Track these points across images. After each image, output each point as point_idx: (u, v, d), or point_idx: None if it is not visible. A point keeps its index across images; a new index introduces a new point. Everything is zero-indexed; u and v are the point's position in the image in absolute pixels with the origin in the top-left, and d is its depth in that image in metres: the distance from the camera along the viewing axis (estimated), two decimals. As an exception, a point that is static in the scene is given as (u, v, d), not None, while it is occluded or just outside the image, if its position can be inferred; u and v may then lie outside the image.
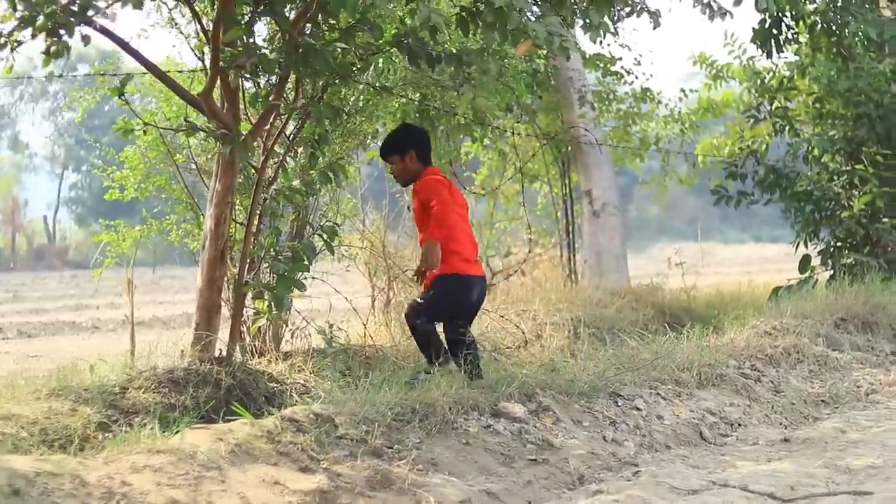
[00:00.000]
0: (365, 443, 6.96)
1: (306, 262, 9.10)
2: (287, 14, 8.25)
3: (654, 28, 10.14)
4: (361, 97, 10.51)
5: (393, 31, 8.77)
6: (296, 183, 9.19)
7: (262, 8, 8.01)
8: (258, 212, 9.13)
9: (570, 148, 17.76)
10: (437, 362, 8.83)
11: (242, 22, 8.00)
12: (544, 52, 11.54)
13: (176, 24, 9.70)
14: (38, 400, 7.76)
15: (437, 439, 7.40)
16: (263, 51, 8.28)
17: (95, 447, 6.82)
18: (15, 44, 7.29)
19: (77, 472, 5.58)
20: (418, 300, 9.15)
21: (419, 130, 9.54)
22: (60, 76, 8.14)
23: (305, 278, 9.45)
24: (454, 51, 8.58)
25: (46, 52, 7.27)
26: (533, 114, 16.77)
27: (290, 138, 9.46)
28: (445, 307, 9.09)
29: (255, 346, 10.09)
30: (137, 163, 10.92)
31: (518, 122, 15.98)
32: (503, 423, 7.91)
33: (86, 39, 7.41)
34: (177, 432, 6.56)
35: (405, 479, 6.55)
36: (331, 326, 10.34)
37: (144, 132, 9.36)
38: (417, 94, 11.22)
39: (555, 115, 17.73)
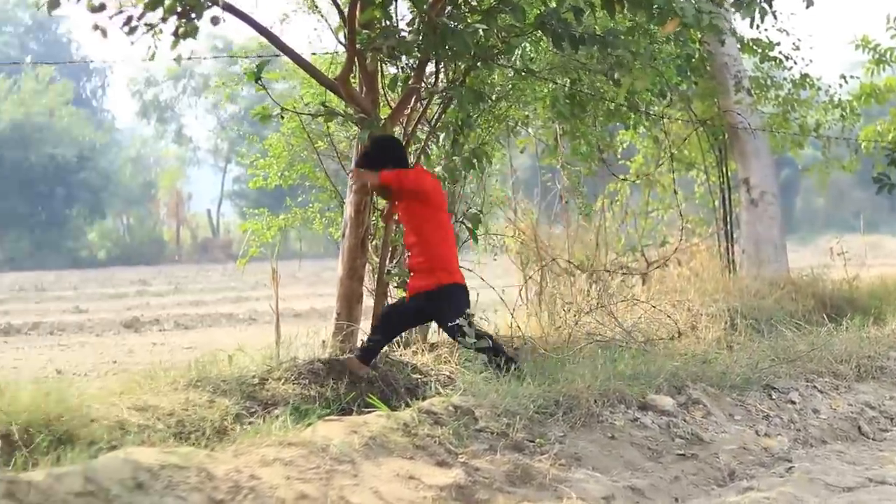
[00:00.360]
0: (506, 436, 6.72)
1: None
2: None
3: (807, 7, 9.70)
4: (509, 81, 10.20)
5: (535, 13, 8.46)
6: (438, 169, 8.96)
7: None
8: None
9: (726, 136, 17.25)
10: (506, 357, 8.56)
11: (377, 2, 7.76)
12: (697, 34, 11.05)
13: (317, 7, 9.52)
14: (177, 391, 7.68)
15: (581, 433, 7.13)
16: (402, 33, 8.03)
17: (230, 439, 6.70)
18: (147, 28, 7.17)
19: (204, 466, 5.41)
20: (455, 324, 8.62)
21: (389, 141, 8.90)
22: (189, 59, 7.96)
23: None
24: (599, 33, 8.24)
25: (175, 34, 7.14)
26: (688, 100, 16.30)
27: (432, 123, 9.23)
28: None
29: (401, 336, 9.92)
30: (281, 150, 10.82)
31: (668, 107, 15.49)
32: (651, 416, 7.60)
33: (215, 20, 7.26)
34: (309, 424, 6.38)
35: (546, 474, 6.28)
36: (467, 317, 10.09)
37: (282, 118, 9.20)
38: (566, 79, 10.85)
39: (710, 101, 17.23)
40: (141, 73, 78.68)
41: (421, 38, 7.96)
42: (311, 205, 11.07)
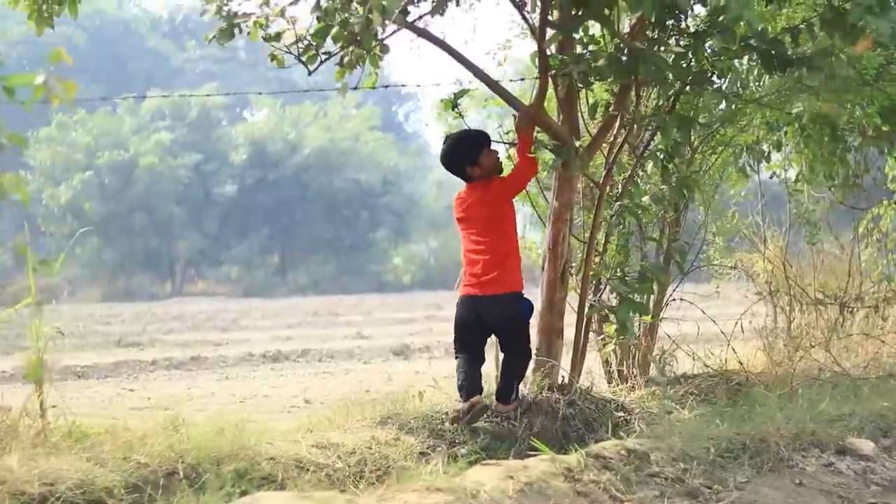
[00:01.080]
0: (681, 482, 6.38)
1: (651, 285, 8.49)
2: (615, 17, 7.64)
3: None
4: (729, 106, 9.74)
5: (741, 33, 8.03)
6: (645, 199, 8.62)
7: (582, 11, 7.46)
8: (603, 230, 8.66)
9: None
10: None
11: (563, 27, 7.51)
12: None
13: (529, 30, 9.28)
14: (365, 428, 7.59)
15: (767, 479, 6.71)
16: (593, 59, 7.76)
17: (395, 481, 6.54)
18: (325, 56, 7.11)
19: (339, 512, 5.28)
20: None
21: (473, 131, 8.55)
22: (356, 88, 7.86)
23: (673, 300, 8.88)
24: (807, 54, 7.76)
25: (340, 64, 7.04)
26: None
27: (640, 151, 8.91)
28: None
29: (618, 371, 9.61)
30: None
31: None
32: (847, 461, 7.10)
33: (384, 48, 7.14)
34: (468, 464, 6.18)
35: (719, 523, 5.90)
36: (664, 354, 9.70)
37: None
38: (798, 106, 10.26)
39: None
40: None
41: (615, 63, 7.66)
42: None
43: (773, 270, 12.32)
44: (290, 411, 12.70)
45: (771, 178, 13.01)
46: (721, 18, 7.94)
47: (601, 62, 7.60)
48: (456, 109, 8.61)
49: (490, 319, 8.26)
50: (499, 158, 8.38)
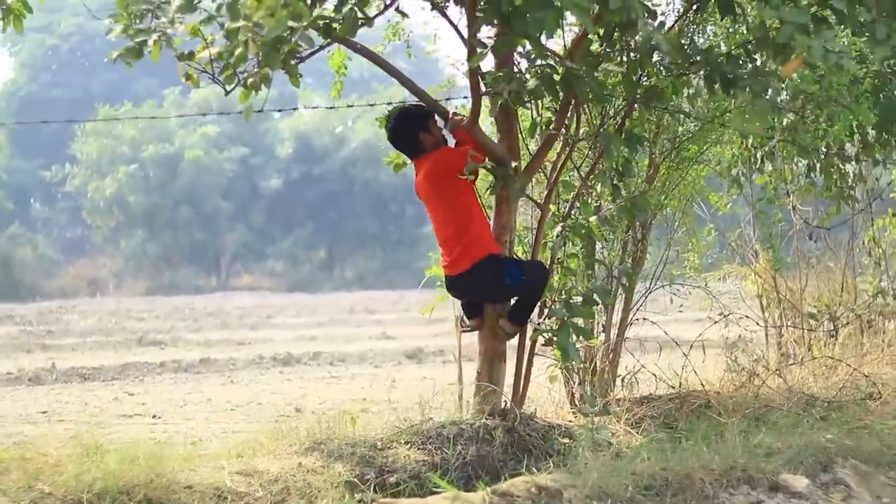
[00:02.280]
0: (592, 523, 6.11)
1: (592, 309, 8.23)
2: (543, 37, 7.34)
3: None
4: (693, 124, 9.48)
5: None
6: (593, 219, 8.38)
7: (508, 30, 7.19)
8: (549, 250, 8.42)
9: None
10: None
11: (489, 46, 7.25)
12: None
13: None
14: (292, 454, 7.42)
15: (687, 519, 6.42)
16: (525, 77, 7.50)
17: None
18: (231, 74, 6.87)
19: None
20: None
21: (413, 109, 8.45)
22: (260, 111, 7.63)
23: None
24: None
25: (244, 85, 6.78)
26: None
27: (588, 170, 8.68)
28: None
29: (579, 394, 9.39)
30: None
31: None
32: (779, 498, 6.79)
33: (291, 70, 6.86)
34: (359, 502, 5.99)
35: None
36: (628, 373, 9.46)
37: (405, 164, 8.89)
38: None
39: None
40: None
41: (546, 83, 7.40)
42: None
43: (763, 284, 12.03)
44: (278, 421, 12.51)
45: (764, 189, 12.71)
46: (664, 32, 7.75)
47: (531, 82, 7.34)
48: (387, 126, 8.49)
49: (469, 294, 8.43)
50: (441, 132, 8.31)
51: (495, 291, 8.22)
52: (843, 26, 7.62)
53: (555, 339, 8.26)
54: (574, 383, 9.58)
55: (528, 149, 8.59)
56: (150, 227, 62.74)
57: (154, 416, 13.45)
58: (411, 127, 8.27)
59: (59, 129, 62.80)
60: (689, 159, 9.83)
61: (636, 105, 8.38)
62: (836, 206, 12.18)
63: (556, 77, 7.38)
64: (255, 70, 6.57)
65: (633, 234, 9.64)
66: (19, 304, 45.98)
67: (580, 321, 8.21)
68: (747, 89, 7.03)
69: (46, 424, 12.44)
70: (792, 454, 7.24)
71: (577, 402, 9.46)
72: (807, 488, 6.89)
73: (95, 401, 15.15)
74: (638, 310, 9.91)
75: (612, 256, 9.58)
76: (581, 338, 8.30)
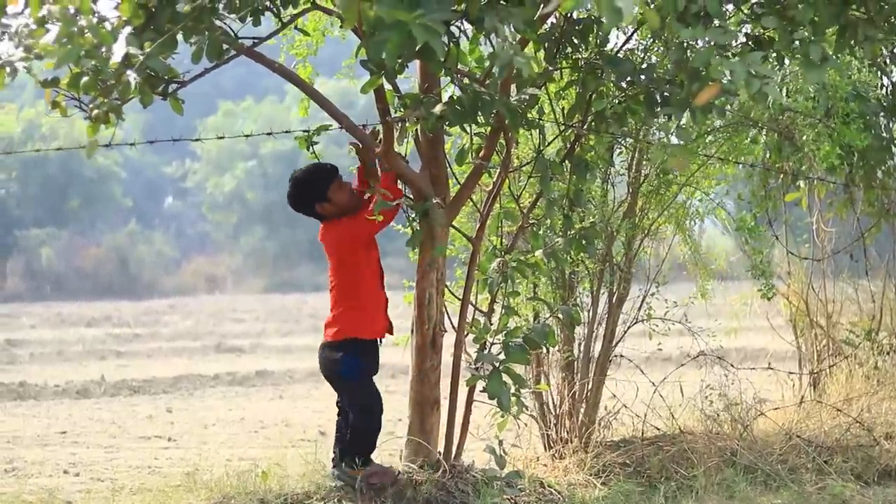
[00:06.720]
0: None
1: (525, 354, 7.43)
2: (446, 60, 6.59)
3: None
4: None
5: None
6: (538, 253, 7.64)
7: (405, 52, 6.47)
8: (488, 289, 7.68)
9: None
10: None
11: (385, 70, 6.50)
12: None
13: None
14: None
15: None
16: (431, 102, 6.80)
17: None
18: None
19: None
20: None
21: (319, 164, 7.94)
22: (107, 146, 7.00)
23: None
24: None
25: (90, 118, 6.17)
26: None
27: (533, 200, 7.96)
28: None
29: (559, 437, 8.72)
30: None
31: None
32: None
33: (169, 94, 6.29)
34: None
35: None
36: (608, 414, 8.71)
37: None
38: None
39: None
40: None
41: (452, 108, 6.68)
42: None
43: (796, 308, 11.16)
44: (297, 445, 11.92)
45: (797, 205, 11.82)
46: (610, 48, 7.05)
47: (438, 107, 6.62)
48: (311, 149, 7.96)
49: (320, 366, 7.68)
50: (353, 192, 7.65)
51: (343, 383, 7.56)
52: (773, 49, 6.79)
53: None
54: (549, 426, 8.89)
55: (455, 178, 7.87)
56: (269, 224, 62.82)
57: (169, 439, 12.96)
58: (307, 196, 7.67)
59: (186, 126, 63.46)
60: (676, 183, 9.04)
61: (588, 130, 7.62)
62: (877, 224, 11.27)
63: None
64: (100, 101, 6.00)
65: (610, 265, 8.88)
66: (134, 301, 46.27)
67: (515, 367, 7.44)
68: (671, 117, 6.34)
69: (56, 447, 12.02)
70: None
71: (551, 445, 8.81)
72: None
73: (130, 419, 14.69)
74: (617, 345, 9.14)
75: (559, 296, 8.81)
76: (516, 385, 7.47)
